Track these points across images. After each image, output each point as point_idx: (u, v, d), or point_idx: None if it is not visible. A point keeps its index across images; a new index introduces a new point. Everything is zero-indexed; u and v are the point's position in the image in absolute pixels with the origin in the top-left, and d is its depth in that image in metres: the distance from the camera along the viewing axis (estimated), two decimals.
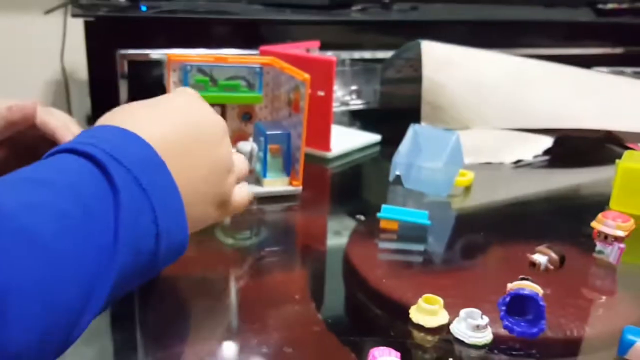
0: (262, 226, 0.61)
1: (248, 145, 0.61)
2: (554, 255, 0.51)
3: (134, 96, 1.17)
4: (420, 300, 0.43)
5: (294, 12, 1.36)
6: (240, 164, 0.46)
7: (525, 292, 0.41)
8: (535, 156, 0.83)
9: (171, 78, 0.64)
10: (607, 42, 1.58)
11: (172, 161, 0.37)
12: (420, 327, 0.42)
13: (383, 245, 0.57)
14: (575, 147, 0.90)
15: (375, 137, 0.87)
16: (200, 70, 0.64)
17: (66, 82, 1.58)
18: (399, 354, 0.37)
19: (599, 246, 0.53)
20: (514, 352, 0.40)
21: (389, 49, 1.11)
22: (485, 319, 0.41)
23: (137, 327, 0.42)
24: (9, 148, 0.51)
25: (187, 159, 0.39)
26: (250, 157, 0.61)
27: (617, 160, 0.64)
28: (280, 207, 0.64)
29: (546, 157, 0.83)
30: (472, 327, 0.41)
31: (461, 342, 0.41)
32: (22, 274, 0.27)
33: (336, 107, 1.02)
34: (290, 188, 0.65)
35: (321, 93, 0.77)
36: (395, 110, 1.07)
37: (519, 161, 0.81)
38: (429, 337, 0.42)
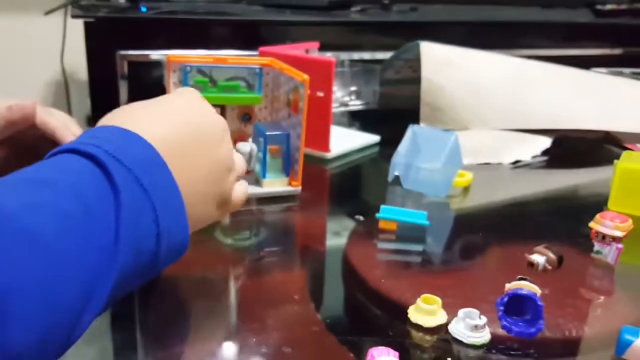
0: (261, 226, 0.61)
1: (247, 146, 0.62)
2: (552, 255, 0.51)
3: (133, 97, 1.17)
4: (418, 300, 0.43)
5: (293, 13, 1.36)
6: (239, 162, 0.46)
7: (524, 292, 0.41)
8: (534, 157, 0.83)
9: (171, 79, 0.64)
10: (605, 43, 1.58)
11: (172, 161, 0.37)
12: (418, 327, 0.42)
13: (382, 245, 0.58)
14: (574, 148, 0.91)
15: (374, 138, 0.87)
16: (200, 71, 0.65)
17: (66, 82, 1.58)
18: (397, 353, 0.37)
19: (597, 246, 0.53)
20: (512, 352, 0.41)
21: (388, 50, 1.12)
22: (484, 319, 0.41)
23: (137, 327, 0.43)
24: (9, 147, 0.51)
25: (188, 159, 0.39)
26: (249, 157, 0.61)
27: (615, 161, 0.64)
28: (279, 207, 0.64)
29: (544, 158, 0.84)
30: (471, 327, 0.41)
31: (459, 342, 0.41)
32: (24, 274, 0.27)
33: (335, 108, 1.02)
34: (289, 188, 0.66)
35: (320, 94, 0.77)
36: (394, 111, 1.08)
37: (517, 162, 0.81)
38: (428, 337, 0.42)
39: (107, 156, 0.34)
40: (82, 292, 0.30)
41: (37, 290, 0.27)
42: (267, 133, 0.64)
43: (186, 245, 0.38)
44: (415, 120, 0.92)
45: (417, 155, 0.67)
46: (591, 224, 0.53)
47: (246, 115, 0.69)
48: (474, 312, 0.42)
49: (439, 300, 0.43)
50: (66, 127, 0.50)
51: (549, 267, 0.51)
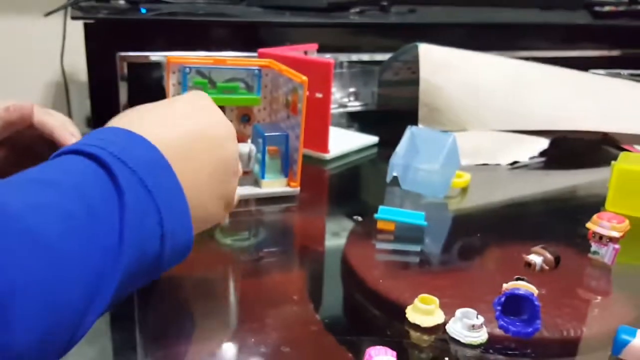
0: (260, 227, 0.61)
1: (246, 147, 0.62)
2: (549, 255, 0.51)
3: (133, 98, 1.18)
4: (416, 300, 0.43)
5: (292, 15, 1.36)
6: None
7: (521, 292, 0.42)
8: (532, 157, 0.83)
9: (170, 80, 0.64)
10: (603, 44, 1.58)
11: (177, 163, 0.37)
12: (416, 327, 0.42)
13: (380, 246, 0.58)
14: (571, 149, 0.91)
15: (373, 139, 0.88)
16: (199, 72, 0.65)
17: (66, 84, 1.58)
18: (395, 353, 0.37)
19: (594, 247, 0.53)
20: (509, 352, 0.41)
21: (386, 51, 1.12)
22: (481, 319, 0.41)
23: (137, 327, 0.43)
24: (8, 148, 0.51)
25: (193, 161, 0.40)
26: (248, 158, 0.61)
27: (612, 162, 0.64)
28: (278, 208, 0.64)
29: (542, 159, 0.84)
30: (468, 326, 0.41)
31: (457, 342, 0.41)
32: (26, 274, 0.27)
33: (334, 109, 1.02)
34: (288, 189, 0.66)
35: (319, 95, 0.77)
36: (392, 112, 1.08)
37: (515, 162, 0.82)
38: (425, 337, 0.42)
39: (111, 157, 0.34)
40: (85, 293, 0.30)
41: (39, 290, 0.27)
42: (266, 134, 0.65)
43: (190, 247, 0.38)
44: (414, 121, 0.92)
45: (416, 156, 0.68)
46: (588, 225, 0.53)
47: (245, 117, 0.69)
48: (472, 312, 0.42)
49: (436, 300, 0.44)
50: (64, 127, 0.50)
51: (546, 268, 0.51)
